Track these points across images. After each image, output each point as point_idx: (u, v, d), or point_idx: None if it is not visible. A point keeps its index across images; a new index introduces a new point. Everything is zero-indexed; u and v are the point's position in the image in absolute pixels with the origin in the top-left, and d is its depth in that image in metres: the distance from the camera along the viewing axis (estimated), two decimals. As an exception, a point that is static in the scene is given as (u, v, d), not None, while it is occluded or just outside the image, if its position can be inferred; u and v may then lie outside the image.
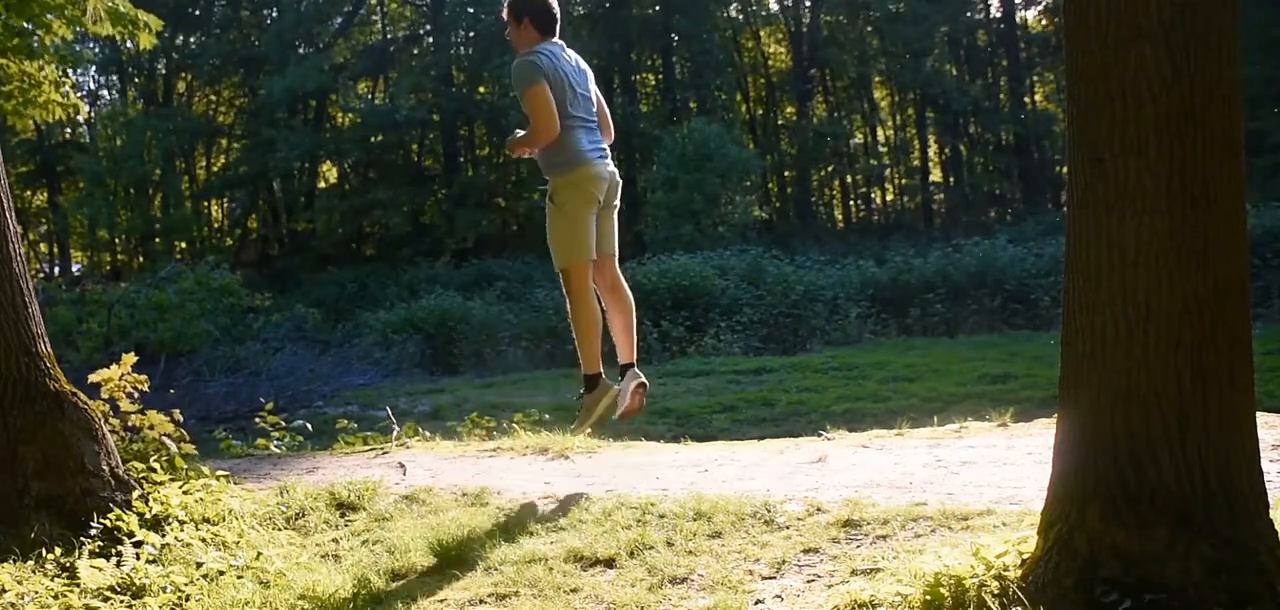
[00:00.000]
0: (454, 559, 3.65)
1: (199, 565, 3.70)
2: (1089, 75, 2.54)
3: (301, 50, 35.21)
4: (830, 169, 36.57)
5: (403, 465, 5.33)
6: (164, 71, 37.02)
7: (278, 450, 6.59)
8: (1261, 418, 3.57)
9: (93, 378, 4.84)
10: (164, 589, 3.50)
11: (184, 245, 33.85)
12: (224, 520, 4.16)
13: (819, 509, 3.75)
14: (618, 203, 4.89)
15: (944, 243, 22.96)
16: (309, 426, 7.73)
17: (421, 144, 36.43)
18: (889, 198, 37.85)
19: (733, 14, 37.36)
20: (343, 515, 4.40)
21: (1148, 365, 2.49)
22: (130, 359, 4.92)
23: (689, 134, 26.94)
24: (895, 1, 33.87)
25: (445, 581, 3.50)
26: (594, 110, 4.81)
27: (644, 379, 4.89)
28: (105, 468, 4.13)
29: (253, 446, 6.78)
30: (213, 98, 38.49)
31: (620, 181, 4.89)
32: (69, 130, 35.51)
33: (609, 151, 4.88)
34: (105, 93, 38.45)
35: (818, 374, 13.93)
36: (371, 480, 4.74)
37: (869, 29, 35.75)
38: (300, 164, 34.87)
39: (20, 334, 4.12)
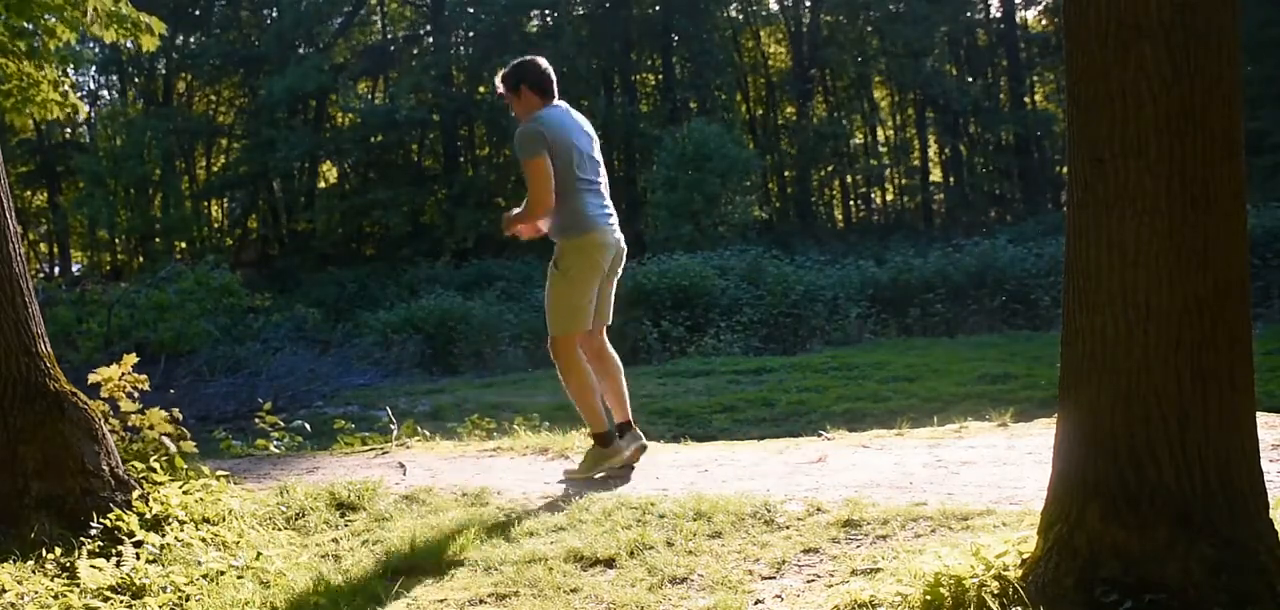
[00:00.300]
0: (454, 559, 3.66)
1: (199, 565, 3.70)
2: (1089, 75, 2.54)
3: (301, 50, 35.23)
4: (830, 169, 36.56)
5: (403, 465, 5.33)
6: (164, 71, 37.02)
7: (277, 450, 6.60)
8: (1261, 418, 3.57)
9: (93, 378, 4.84)
10: (164, 589, 3.49)
11: (184, 245, 33.87)
12: (224, 520, 4.16)
13: (819, 509, 3.75)
14: (620, 271, 4.84)
15: (944, 243, 22.93)
16: (308, 427, 7.73)
17: (421, 144, 36.44)
18: (889, 198, 37.85)
19: (733, 14, 37.35)
20: (343, 515, 4.41)
21: (1148, 365, 2.49)
22: (130, 359, 4.93)
23: (689, 134, 26.93)
24: (895, 1, 33.85)
25: (445, 581, 3.50)
26: (601, 172, 4.75)
27: (644, 441, 4.88)
28: (105, 468, 4.13)
29: (252, 446, 6.79)
30: (213, 98, 38.50)
31: (625, 249, 4.83)
32: (69, 130, 35.53)
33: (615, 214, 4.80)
34: (105, 93, 38.56)
35: (818, 374, 13.90)
36: (371, 480, 4.74)
37: (869, 29, 35.72)
38: (300, 164, 34.90)
39: (20, 334, 4.12)
